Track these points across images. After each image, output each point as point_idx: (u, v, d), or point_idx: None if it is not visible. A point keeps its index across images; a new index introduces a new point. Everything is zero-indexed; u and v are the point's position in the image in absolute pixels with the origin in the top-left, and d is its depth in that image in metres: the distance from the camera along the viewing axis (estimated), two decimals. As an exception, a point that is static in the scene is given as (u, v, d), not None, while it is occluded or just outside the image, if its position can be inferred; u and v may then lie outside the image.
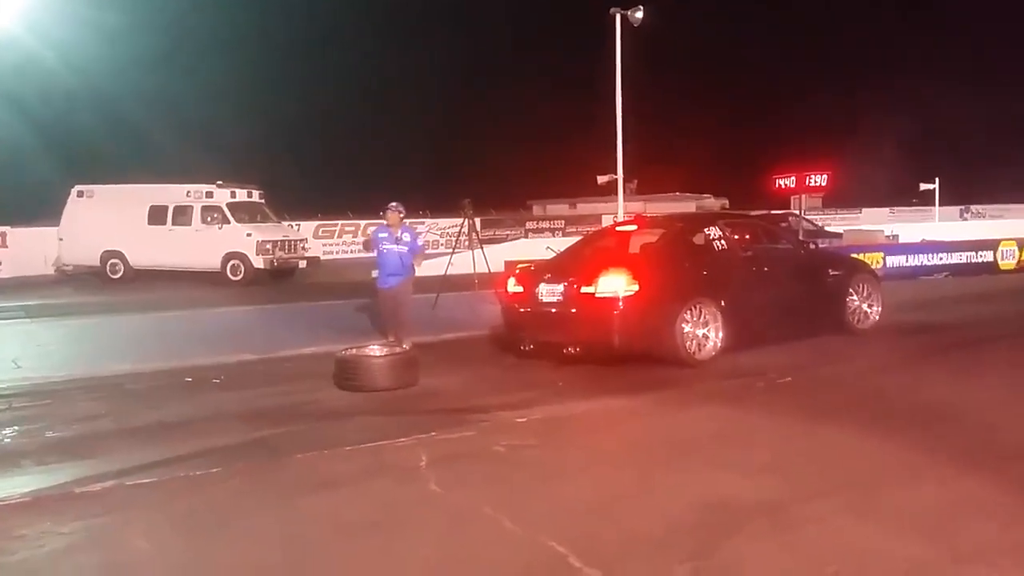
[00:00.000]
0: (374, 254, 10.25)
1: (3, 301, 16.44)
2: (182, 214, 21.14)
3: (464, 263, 15.42)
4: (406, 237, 9.99)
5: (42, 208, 24.13)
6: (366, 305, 12.25)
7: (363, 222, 28.93)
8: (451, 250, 15.94)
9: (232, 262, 20.68)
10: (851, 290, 10.71)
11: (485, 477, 5.46)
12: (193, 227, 20.94)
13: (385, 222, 10.15)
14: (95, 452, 6.17)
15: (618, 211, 27.95)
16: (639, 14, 25.01)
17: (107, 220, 21.18)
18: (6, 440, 6.67)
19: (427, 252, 11.27)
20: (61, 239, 22.09)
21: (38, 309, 15.06)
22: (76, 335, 11.99)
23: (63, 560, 4.31)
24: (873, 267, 14.00)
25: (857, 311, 10.73)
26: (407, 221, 10.56)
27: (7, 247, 22.90)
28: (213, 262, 20.64)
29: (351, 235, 30.10)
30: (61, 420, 7.17)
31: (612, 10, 25.18)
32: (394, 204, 10.07)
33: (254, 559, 4.24)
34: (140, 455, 5.98)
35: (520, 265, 11.41)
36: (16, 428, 6.97)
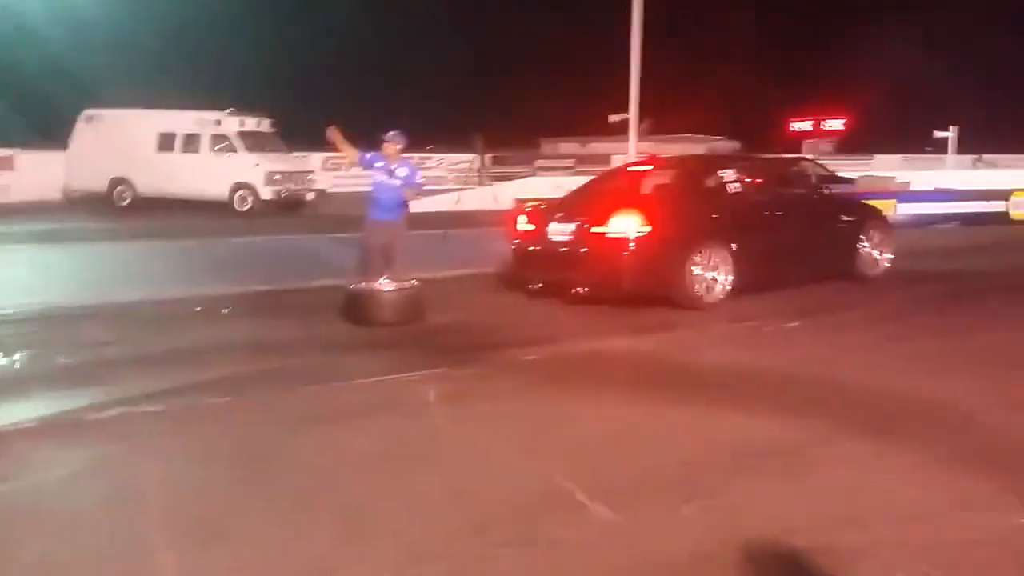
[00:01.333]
0: (364, 170, 9.49)
1: (11, 226, 16.41)
2: (191, 142, 21.00)
3: (473, 199, 15.36)
4: (402, 172, 9.23)
5: (51, 131, 23.93)
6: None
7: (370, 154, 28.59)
8: (459, 186, 15.84)
9: (240, 192, 20.59)
10: (863, 237, 10.63)
11: (493, 414, 5.49)
12: (202, 155, 20.81)
13: (382, 152, 9.29)
14: (105, 379, 6.20)
15: (630, 151, 27.63)
16: (657, -52, 24.38)
17: (116, 146, 21.06)
18: (16, 365, 6.70)
19: (425, 188, 10.51)
20: (68, 164, 21.97)
21: (46, 234, 15.01)
22: (85, 261, 11.99)
23: (73, 486, 4.36)
24: (885, 214, 13.86)
25: (868, 258, 10.66)
26: (406, 155, 9.54)
27: (14, 171, 22.77)
28: (221, 191, 20.55)
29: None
30: (71, 346, 7.19)
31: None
32: (393, 133, 9.26)
33: (264, 488, 4.28)
34: (150, 383, 6.00)
35: (530, 203, 11.33)
36: (25, 353, 7.00)
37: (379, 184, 9.24)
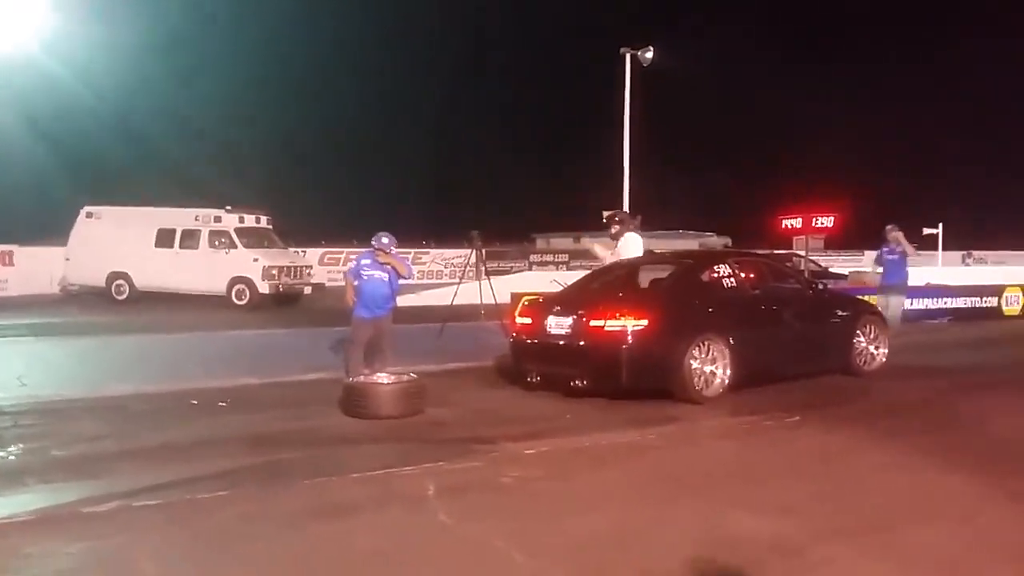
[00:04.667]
0: (356, 279, 9.44)
1: (9, 319, 16.41)
2: (190, 238, 21.22)
3: (470, 294, 15.43)
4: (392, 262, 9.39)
5: (49, 227, 24.23)
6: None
7: (354, 263, 28.96)
8: (458, 280, 15.95)
9: (237, 286, 20.71)
10: (858, 331, 10.69)
11: (494, 509, 5.42)
12: (200, 251, 21.01)
13: (372, 250, 9.38)
14: (101, 472, 6.14)
15: (623, 246, 27.85)
16: (649, 54, 25.32)
17: (114, 241, 21.26)
18: (11, 458, 6.63)
19: (420, 282, 10.54)
20: (68, 259, 22.14)
21: (43, 328, 15.04)
22: (81, 355, 11.96)
23: (69, 580, 4.28)
24: (879, 309, 13.97)
25: (864, 352, 10.70)
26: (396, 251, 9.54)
27: (14, 265, 22.94)
28: (219, 286, 20.68)
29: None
30: (66, 439, 7.13)
31: (623, 50, 25.50)
32: (386, 241, 9.30)
33: (262, 585, 4.20)
34: (146, 476, 5.94)
35: (528, 297, 11.41)
36: (21, 446, 6.93)
37: (370, 280, 9.34)
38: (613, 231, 11.53)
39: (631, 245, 11.17)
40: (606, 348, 8.63)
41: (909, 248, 14.32)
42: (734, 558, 4.44)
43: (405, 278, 9.63)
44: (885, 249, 14.54)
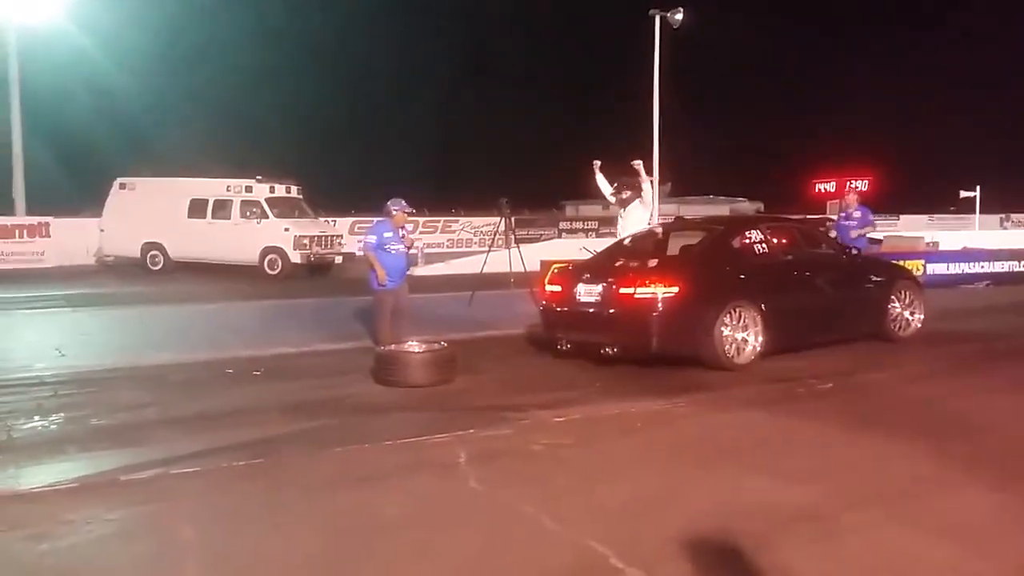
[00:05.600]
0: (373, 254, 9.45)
1: (47, 290, 16.74)
2: (221, 208, 21.42)
3: (500, 262, 15.43)
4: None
5: (85, 199, 24.55)
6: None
7: (375, 237, 28.91)
8: (487, 248, 15.94)
9: (269, 256, 20.90)
10: (893, 297, 10.56)
11: (524, 475, 5.47)
12: (232, 221, 21.21)
13: (390, 220, 9.56)
14: (140, 441, 6.27)
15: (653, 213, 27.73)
16: (679, 16, 24.97)
17: (148, 212, 21.53)
18: (52, 427, 6.78)
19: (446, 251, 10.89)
20: (103, 230, 22.48)
21: (81, 298, 15.31)
22: (118, 325, 12.18)
23: (111, 546, 4.39)
24: (915, 274, 13.77)
25: (899, 318, 10.58)
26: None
27: (50, 237, 23.29)
28: (251, 256, 20.88)
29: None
30: (105, 408, 7.28)
31: (652, 12, 25.17)
32: (403, 203, 9.54)
33: (297, 550, 4.29)
34: (184, 444, 6.06)
35: (557, 264, 11.39)
36: (62, 415, 7.08)
37: (398, 254, 9.49)
38: (624, 196, 11.41)
39: (637, 216, 11.13)
40: (636, 315, 8.60)
41: (862, 217, 13.42)
42: (761, 523, 4.45)
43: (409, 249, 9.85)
44: (842, 215, 13.95)
